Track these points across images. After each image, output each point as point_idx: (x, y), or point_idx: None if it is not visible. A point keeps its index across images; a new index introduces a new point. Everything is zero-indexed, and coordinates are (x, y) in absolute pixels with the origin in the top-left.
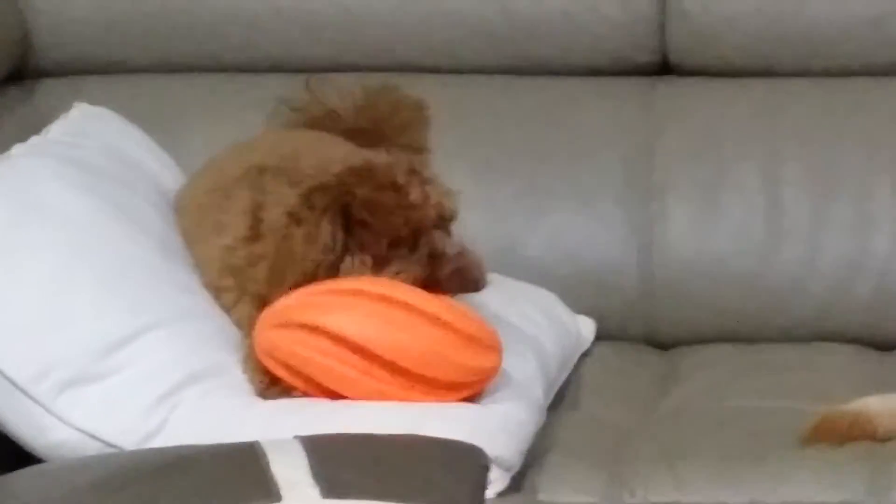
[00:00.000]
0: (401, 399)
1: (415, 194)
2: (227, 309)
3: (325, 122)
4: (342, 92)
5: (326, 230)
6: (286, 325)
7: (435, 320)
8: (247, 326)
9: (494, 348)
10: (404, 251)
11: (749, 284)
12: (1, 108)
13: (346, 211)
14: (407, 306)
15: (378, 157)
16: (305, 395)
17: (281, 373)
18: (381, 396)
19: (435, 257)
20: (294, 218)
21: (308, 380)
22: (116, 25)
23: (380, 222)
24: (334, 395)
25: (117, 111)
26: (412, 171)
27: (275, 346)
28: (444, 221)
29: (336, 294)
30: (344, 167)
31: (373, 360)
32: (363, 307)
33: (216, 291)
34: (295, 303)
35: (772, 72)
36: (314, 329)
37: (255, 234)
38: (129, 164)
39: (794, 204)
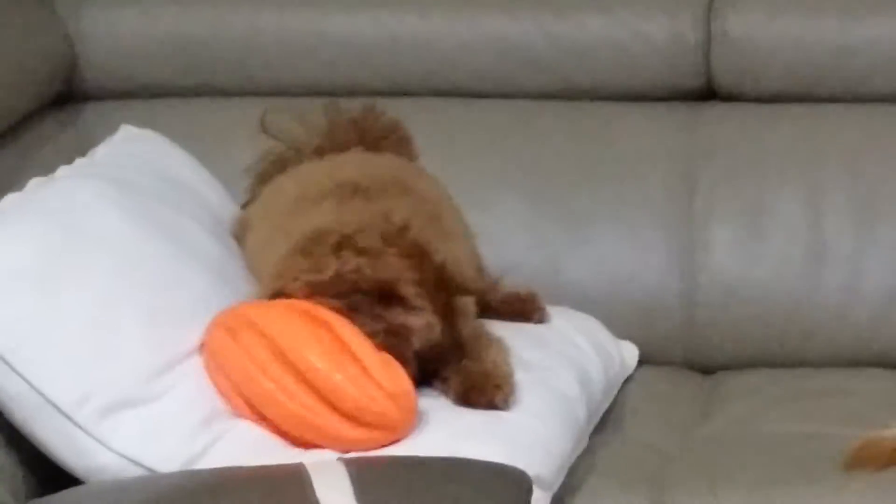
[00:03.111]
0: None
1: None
2: None
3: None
4: (304, 121)
5: None
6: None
7: (298, 375)
8: None
9: (375, 425)
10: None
11: (791, 310)
12: (47, 131)
13: None
14: (283, 355)
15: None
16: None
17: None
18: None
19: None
20: None
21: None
22: (162, 50)
23: None
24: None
25: (162, 134)
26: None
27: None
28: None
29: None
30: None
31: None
32: (248, 339)
33: None
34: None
35: (816, 97)
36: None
37: None
38: (175, 185)
39: (836, 230)
